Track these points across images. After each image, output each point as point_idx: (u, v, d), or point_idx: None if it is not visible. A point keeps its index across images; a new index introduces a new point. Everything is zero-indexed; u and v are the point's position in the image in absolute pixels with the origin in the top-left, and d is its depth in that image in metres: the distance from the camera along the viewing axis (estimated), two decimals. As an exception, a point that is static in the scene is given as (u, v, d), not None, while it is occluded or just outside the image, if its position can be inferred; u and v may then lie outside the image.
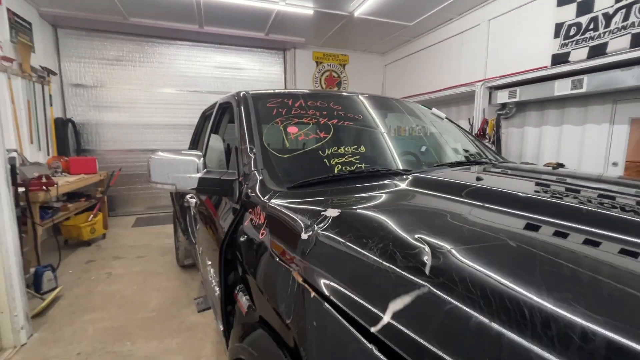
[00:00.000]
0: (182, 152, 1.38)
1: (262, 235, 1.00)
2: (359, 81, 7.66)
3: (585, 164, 4.22)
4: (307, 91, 1.84)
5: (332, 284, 0.67)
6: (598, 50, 3.50)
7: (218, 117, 2.15)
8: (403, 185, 1.13)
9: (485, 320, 0.46)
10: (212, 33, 6.11)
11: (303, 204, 1.02)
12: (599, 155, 4.06)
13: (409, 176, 1.27)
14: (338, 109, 1.69)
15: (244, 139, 1.43)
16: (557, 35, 3.95)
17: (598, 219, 0.78)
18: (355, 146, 1.43)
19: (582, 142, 4.23)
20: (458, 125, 2.22)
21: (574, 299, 0.47)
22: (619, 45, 3.33)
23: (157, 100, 6.47)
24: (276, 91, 1.83)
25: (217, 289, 1.28)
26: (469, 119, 5.38)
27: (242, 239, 1.11)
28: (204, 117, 3.01)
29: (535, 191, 1.07)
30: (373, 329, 0.54)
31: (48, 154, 5.12)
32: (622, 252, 0.64)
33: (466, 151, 1.90)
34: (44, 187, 3.42)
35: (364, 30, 6.19)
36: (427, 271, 0.58)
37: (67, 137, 5.60)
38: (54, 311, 2.87)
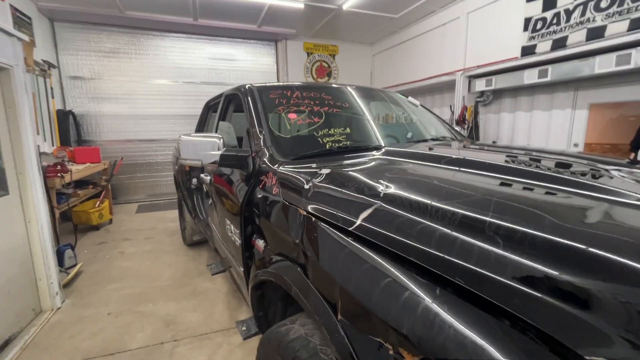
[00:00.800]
0: (205, 134, 1.74)
1: (274, 191, 1.38)
2: (349, 71, 7.97)
3: (551, 145, 4.69)
4: (302, 84, 2.20)
5: (324, 209, 1.06)
6: (560, 43, 3.91)
7: (225, 106, 2.49)
8: (377, 155, 1.52)
9: (412, 216, 0.85)
10: (206, 25, 6.32)
11: (304, 169, 1.40)
12: (563, 137, 4.53)
13: (382, 149, 1.67)
14: (328, 99, 2.06)
15: (254, 123, 1.79)
16: (525, 28, 4.35)
17: (495, 166, 1.19)
18: (343, 128, 1.81)
19: (549, 126, 4.69)
20: (430, 112, 2.61)
21: (465, 202, 0.86)
22: (577, 39, 3.75)
23: (153, 91, 6.69)
24: (276, 84, 2.18)
25: (238, 240, 1.66)
26: (450, 106, 5.79)
27: (259, 196, 1.49)
28: (208, 107, 3.33)
29: (463, 154, 1.49)
30: (350, 228, 0.93)
31: (52, 145, 5.35)
32: (503, 184, 1.03)
33: (433, 132, 2.31)
34: (59, 174, 3.71)
35: (352, 22, 6.48)
36: (381, 196, 0.97)
37: (69, 128, 5.82)
38: (78, 283, 3.22)
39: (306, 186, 1.21)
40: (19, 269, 2.42)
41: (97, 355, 2.18)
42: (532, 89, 4.83)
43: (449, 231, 0.75)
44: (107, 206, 5.12)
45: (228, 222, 1.83)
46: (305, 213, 1.13)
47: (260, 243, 1.48)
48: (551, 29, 4.03)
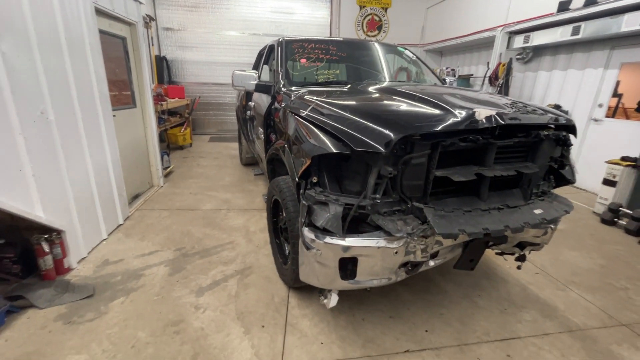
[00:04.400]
0: (248, 71, 2.78)
1: (281, 104, 2.39)
2: (400, 25, 8.15)
3: (578, 104, 4.77)
4: (319, 38, 3.05)
5: (293, 107, 2.04)
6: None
7: (268, 53, 3.48)
8: (341, 87, 2.39)
9: (341, 112, 1.78)
10: (269, -20, 7.10)
11: (295, 91, 2.36)
12: (590, 97, 4.59)
13: (348, 84, 2.53)
14: (334, 50, 2.91)
15: (277, 64, 2.77)
16: (565, -17, 4.31)
17: (401, 93, 2.00)
18: (334, 70, 2.68)
19: (579, 86, 4.74)
20: (423, 63, 3.25)
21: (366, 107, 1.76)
22: (608, -5, 3.75)
23: (224, 41, 7.91)
24: (299, 38, 3.05)
25: (262, 136, 2.75)
26: (487, 62, 5.92)
27: (273, 107, 2.52)
28: (260, 54, 4.36)
29: (388, 88, 2.27)
30: (301, 114, 1.91)
31: (152, 83, 7.01)
32: (383, 99, 1.87)
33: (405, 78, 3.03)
34: (160, 103, 5.21)
35: (404, -26, 6.64)
36: (314, 101, 1.91)
37: (163, 70, 7.43)
38: (172, 177, 4.79)
39: (291, 98, 2.18)
40: (141, 154, 3.92)
41: (184, 208, 3.61)
42: (571, 46, 4.82)
43: (337, 114, 1.70)
44: (189, 133, 6.74)
45: (260, 128, 2.93)
46: (287, 110, 2.13)
47: (273, 136, 2.55)
48: (587, -17, 4.01)
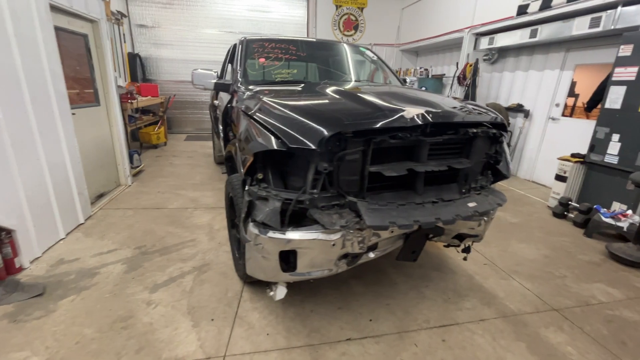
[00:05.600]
0: (207, 69, 2.81)
1: (237, 103, 2.43)
2: (376, 25, 8.28)
3: (538, 104, 4.99)
4: (280, 38, 3.10)
5: (244, 106, 2.08)
6: (547, 3, 4.12)
7: (232, 53, 3.51)
8: (298, 87, 2.45)
9: (270, 107, 1.84)
10: (244, -21, 7.08)
11: (249, 90, 2.41)
12: (548, 97, 4.82)
13: (310, 84, 2.59)
14: (293, 49, 2.96)
15: (236, 63, 2.81)
16: (524, -13, 4.51)
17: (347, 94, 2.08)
18: (291, 69, 2.74)
19: (539, 86, 4.96)
20: (384, 63, 3.34)
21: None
22: (560, 0, 3.95)
23: (200, 39, 7.85)
24: (260, 37, 3.10)
25: (222, 134, 2.79)
26: (457, 63, 6.10)
27: (229, 105, 2.56)
28: (227, 53, 4.38)
29: (332, 88, 2.35)
30: (249, 113, 1.96)
31: (125, 80, 6.90)
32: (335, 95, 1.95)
33: (363, 76, 3.11)
34: (130, 101, 5.15)
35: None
36: (262, 99, 1.97)
37: (136, 68, 7.31)
38: (141, 176, 4.74)
39: (244, 97, 2.23)
40: (107, 153, 3.88)
41: (150, 207, 3.60)
42: (531, 48, 5.04)
43: (280, 112, 1.76)
44: (163, 131, 6.66)
45: (220, 125, 2.97)
46: (238, 108, 2.17)
47: (231, 134, 2.59)
48: (542, -12, 4.21)
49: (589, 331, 1.97)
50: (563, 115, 4.70)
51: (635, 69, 3.13)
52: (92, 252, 2.62)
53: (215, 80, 2.75)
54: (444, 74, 7.02)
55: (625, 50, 3.21)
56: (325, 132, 1.50)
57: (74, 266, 2.43)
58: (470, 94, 5.56)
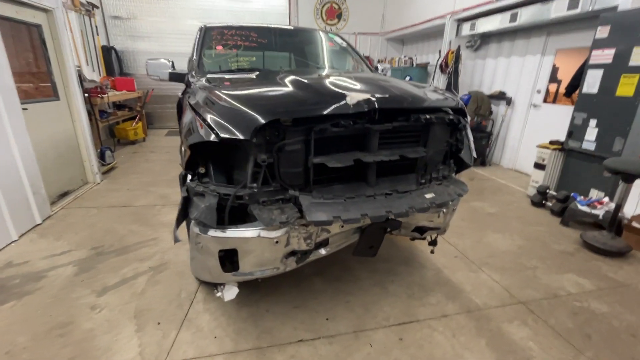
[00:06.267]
0: (162, 58, 2.65)
1: (188, 94, 2.29)
2: (360, 13, 8.07)
3: (520, 91, 4.88)
4: (240, 25, 2.94)
5: (191, 95, 1.94)
6: (525, -14, 3.98)
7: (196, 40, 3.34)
8: (253, 75, 2.31)
9: (226, 101, 1.70)
10: (221, -34, 6.83)
11: (200, 80, 2.26)
12: (530, 83, 4.70)
13: (265, 72, 2.45)
14: (254, 37, 2.81)
15: (193, 52, 2.65)
16: (503, -31, 4.35)
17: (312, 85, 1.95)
18: (250, 57, 2.59)
19: (521, 72, 4.84)
20: (354, 50, 3.19)
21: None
22: (539, -19, 3.81)
23: (178, 31, 7.59)
24: (219, 25, 2.93)
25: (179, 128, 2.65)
26: (439, 50, 5.95)
27: (182, 96, 2.41)
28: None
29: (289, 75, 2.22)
30: (191, 103, 1.82)
31: (100, 75, 6.67)
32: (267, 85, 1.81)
33: (327, 64, 2.96)
34: (99, 95, 4.96)
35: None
36: (209, 87, 1.83)
37: (112, 61, 7.08)
38: (113, 173, 4.59)
39: (193, 87, 2.09)
40: (70, 150, 3.72)
41: (116, 205, 3.46)
42: (513, 33, 4.91)
43: (222, 102, 1.62)
44: (141, 127, 6.47)
45: (177, 114, 2.83)
46: (184, 99, 2.03)
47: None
48: (522, -30, 4.05)
49: (553, 325, 1.89)
50: (545, 101, 4.60)
51: (612, 51, 3.02)
52: (44, 254, 2.50)
53: (170, 70, 2.60)
54: (429, 63, 6.87)
55: (603, 31, 3.09)
56: (256, 122, 1.38)
57: (21, 270, 2.30)
58: (452, 82, 5.42)
